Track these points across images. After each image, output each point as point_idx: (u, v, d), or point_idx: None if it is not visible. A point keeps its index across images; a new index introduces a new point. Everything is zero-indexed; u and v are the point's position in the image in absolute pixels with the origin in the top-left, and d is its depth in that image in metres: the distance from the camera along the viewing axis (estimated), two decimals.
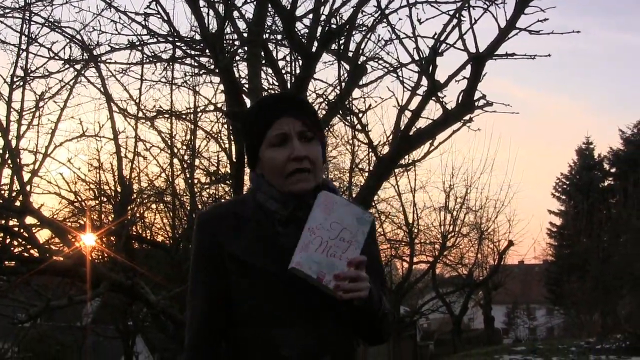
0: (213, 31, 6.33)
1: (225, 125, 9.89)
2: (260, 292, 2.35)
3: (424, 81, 6.50)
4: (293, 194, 2.40)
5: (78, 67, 8.31)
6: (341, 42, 7.02)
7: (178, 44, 7.54)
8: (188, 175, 11.24)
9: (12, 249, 8.11)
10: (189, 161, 11.20)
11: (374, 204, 17.61)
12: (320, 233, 2.30)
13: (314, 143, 2.43)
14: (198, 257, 2.46)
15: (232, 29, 7.26)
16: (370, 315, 2.41)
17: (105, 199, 11.51)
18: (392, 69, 7.60)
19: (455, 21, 5.98)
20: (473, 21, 5.72)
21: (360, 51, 7.41)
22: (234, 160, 7.50)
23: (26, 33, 8.26)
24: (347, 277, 2.26)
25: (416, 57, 6.33)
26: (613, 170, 43.25)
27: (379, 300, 2.43)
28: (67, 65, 8.09)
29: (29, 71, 8.49)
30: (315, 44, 6.64)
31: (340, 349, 2.42)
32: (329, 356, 2.37)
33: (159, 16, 6.87)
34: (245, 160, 2.69)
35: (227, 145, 10.24)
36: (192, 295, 2.46)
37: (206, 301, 2.43)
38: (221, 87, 7.78)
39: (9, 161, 7.89)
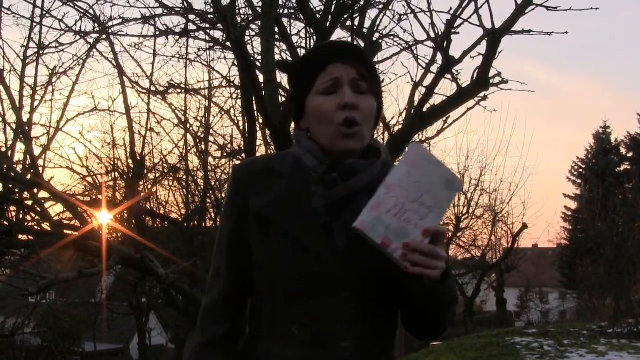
0: (225, 3, 6.27)
1: (239, 101, 9.83)
2: (280, 256, 2.07)
3: (439, 58, 6.44)
4: (335, 152, 2.10)
5: (91, 40, 8.29)
6: (356, 18, 6.97)
7: (190, 17, 7.50)
8: (202, 149, 11.21)
9: (25, 223, 8.11)
10: (202, 136, 11.17)
11: None
12: (397, 192, 1.95)
13: (367, 97, 2.12)
14: (226, 213, 2.24)
15: (245, 2, 7.23)
16: (438, 301, 2.05)
17: (117, 175, 11.51)
18: (407, 46, 7.55)
19: None
20: None
21: (376, 28, 7.34)
22: (247, 135, 7.47)
23: (39, 5, 8.24)
24: (419, 250, 1.91)
25: (432, 34, 6.27)
26: (630, 154, 43.06)
27: (453, 284, 2.08)
28: (79, 38, 8.07)
29: (42, 45, 8.49)
30: (329, 18, 6.58)
31: (368, 335, 2.09)
32: (350, 342, 2.05)
33: None
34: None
35: (239, 121, 10.19)
36: (218, 253, 2.24)
37: (228, 260, 2.20)
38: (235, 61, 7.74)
39: (21, 136, 7.90)
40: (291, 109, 2.29)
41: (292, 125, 2.30)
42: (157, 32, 7.85)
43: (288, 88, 2.37)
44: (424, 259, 1.90)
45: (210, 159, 11.61)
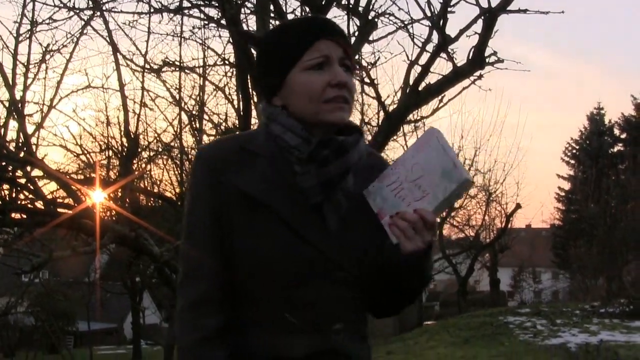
0: None
1: (234, 79, 9.77)
2: (270, 240, 1.97)
3: (435, 37, 6.39)
4: (327, 124, 2.04)
5: (85, 17, 8.23)
6: None
7: None
8: (197, 127, 11.18)
9: (18, 201, 8.08)
10: (196, 114, 11.13)
11: None
12: (399, 169, 2.01)
13: (350, 75, 2.08)
14: (199, 197, 2.06)
15: None
16: (415, 278, 2.05)
17: (111, 153, 11.48)
18: (403, 25, 7.49)
19: None
20: None
21: (371, 6, 7.29)
22: (242, 113, 7.43)
23: None
24: (405, 219, 1.94)
25: (428, 13, 6.22)
26: (623, 136, 43.17)
27: (430, 266, 2.08)
28: (73, 15, 8.00)
29: (35, 22, 8.43)
30: None
31: (357, 315, 2.11)
32: (342, 324, 2.03)
33: None
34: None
35: (234, 99, 10.15)
36: (192, 243, 2.06)
37: (212, 246, 2.03)
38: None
39: (14, 113, 7.87)
40: (263, 85, 2.16)
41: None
42: (152, 10, 7.77)
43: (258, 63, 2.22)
44: (406, 225, 1.94)
45: (205, 137, 11.58)
